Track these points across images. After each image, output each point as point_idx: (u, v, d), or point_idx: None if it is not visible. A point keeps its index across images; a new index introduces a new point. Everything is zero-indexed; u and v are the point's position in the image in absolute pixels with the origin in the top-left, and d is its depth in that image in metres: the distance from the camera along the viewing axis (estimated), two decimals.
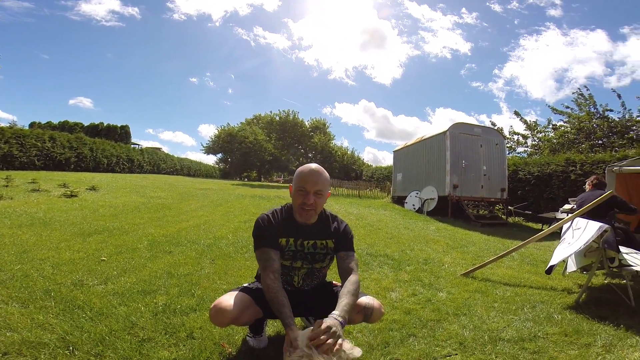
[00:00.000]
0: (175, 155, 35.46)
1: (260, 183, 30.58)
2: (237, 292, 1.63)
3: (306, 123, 36.25)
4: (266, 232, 1.62)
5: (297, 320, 2.07)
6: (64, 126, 34.76)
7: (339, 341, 1.25)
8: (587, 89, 17.19)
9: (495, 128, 17.17)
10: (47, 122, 36.40)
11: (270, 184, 29.96)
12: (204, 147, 37.35)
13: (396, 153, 13.94)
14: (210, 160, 43.24)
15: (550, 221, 9.08)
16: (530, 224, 10.44)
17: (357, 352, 1.27)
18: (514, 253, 4.41)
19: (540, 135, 18.43)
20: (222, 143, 35.56)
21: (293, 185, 1.66)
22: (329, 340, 1.23)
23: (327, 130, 37.12)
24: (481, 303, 2.80)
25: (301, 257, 1.69)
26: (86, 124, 37.30)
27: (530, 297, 3.02)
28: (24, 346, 1.54)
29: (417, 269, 3.74)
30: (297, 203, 1.63)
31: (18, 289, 2.20)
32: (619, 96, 16.02)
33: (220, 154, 38.10)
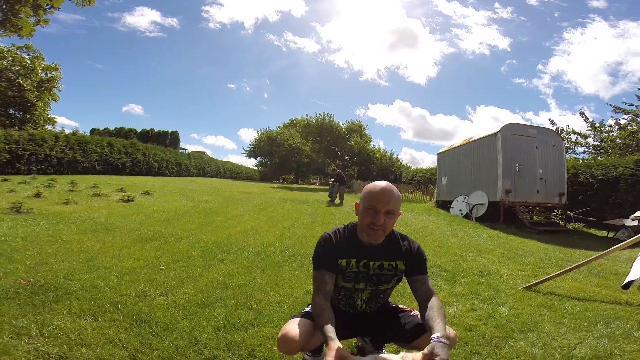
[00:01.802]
0: (219, 159, 37.07)
1: (297, 186, 30.98)
2: (300, 318, 1.59)
3: (342, 126, 36.11)
4: (325, 254, 1.57)
5: (354, 340, 2.00)
6: (120, 132, 37.66)
7: None
8: None
9: (554, 128, 15.87)
10: (105, 129, 39.69)
11: (307, 186, 30.29)
12: (245, 150, 38.64)
13: (440, 155, 13.41)
14: (251, 163, 44.68)
15: (617, 229, 8.23)
16: (593, 231, 9.54)
17: None
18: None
19: (604, 135, 16.62)
20: (263, 146, 36.50)
21: (360, 204, 1.58)
22: None
23: (364, 132, 36.69)
24: (548, 319, 2.58)
25: (364, 279, 1.61)
26: (139, 129, 40.10)
27: (603, 313, 2.76)
28: None
29: (474, 282, 3.52)
30: (364, 222, 1.54)
31: (88, 301, 2.32)
32: None
33: (260, 157, 39.15)
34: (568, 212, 9.84)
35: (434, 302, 1.47)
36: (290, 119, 41.51)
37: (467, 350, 1.97)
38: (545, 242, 6.84)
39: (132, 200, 8.59)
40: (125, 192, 9.85)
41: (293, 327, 1.50)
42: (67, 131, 19.99)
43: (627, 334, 2.29)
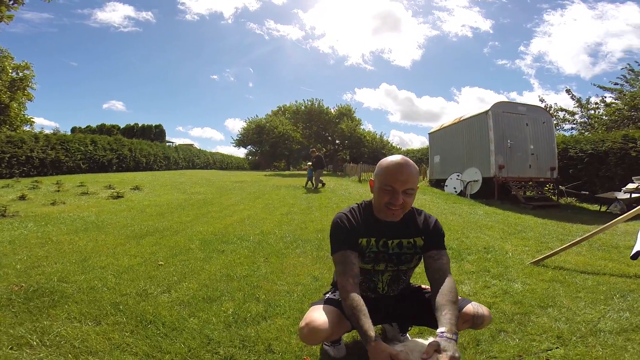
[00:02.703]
0: (207, 150, 36.44)
1: (290, 172, 30.75)
2: (323, 305, 1.49)
3: (332, 110, 35.74)
4: (345, 233, 1.44)
5: (377, 328, 1.92)
6: (102, 129, 36.45)
7: None
8: (639, 64, 15.90)
9: (542, 106, 16.15)
10: (87, 127, 38.42)
11: (300, 172, 30.08)
12: (234, 140, 37.94)
13: (432, 135, 13.38)
14: (241, 153, 44.06)
15: (610, 202, 8.34)
16: (585, 205, 9.68)
17: None
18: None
19: (590, 112, 17.43)
20: (252, 135, 35.93)
21: (376, 182, 1.45)
22: None
23: (354, 115, 36.41)
24: (564, 293, 2.55)
25: (384, 259, 1.50)
26: (122, 125, 38.95)
27: (616, 286, 2.73)
28: None
29: (481, 259, 3.49)
30: (381, 202, 1.42)
31: (87, 304, 2.18)
32: None
33: (249, 146, 38.60)
34: (560, 186, 9.96)
35: (445, 286, 1.34)
36: (278, 106, 40.87)
37: (492, 328, 1.91)
38: (541, 217, 6.89)
39: (122, 197, 8.34)
40: (114, 188, 9.56)
41: (318, 316, 1.39)
42: (47, 131, 19.25)
43: None
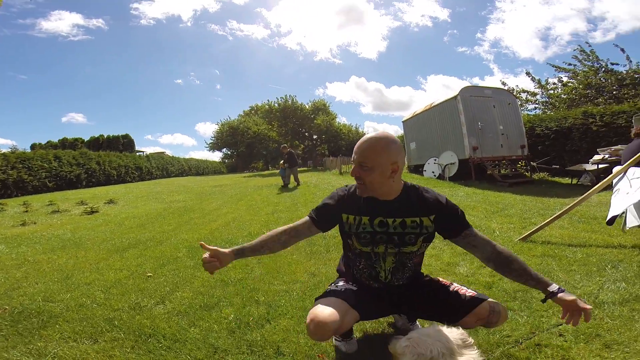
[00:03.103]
0: (181, 157, 35.40)
1: (270, 171, 30.44)
2: (326, 298, 1.44)
3: (306, 106, 35.60)
4: (321, 208, 1.52)
5: (390, 318, 1.89)
6: (64, 143, 34.46)
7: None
8: (589, 45, 17.18)
9: (506, 88, 16.90)
10: (47, 142, 36.09)
11: (278, 171, 29.89)
12: (207, 144, 37.15)
13: (405, 123, 13.59)
14: (216, 156, 43.13)
15: (580, 174, 8.75)
16: (557, 179, 10.13)
17: None
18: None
19: (550, 92, 18.41)
20: (225, 138, 35.27)
21: None
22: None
23: (329, 109, 36.44)
24: (558, 267, 2.63)
25: (384, 241, 1.44)
26: (86, 138, 37.02)
27: (605, 257, 2.82)
28: None
29: None
30: None
31: (79, 322, 2.05)
32: (623, 50, 15.86)
33: (224, 149, 37.90)
34: (532, 162, 10.38)
35: (505, 254, 1.36)
36: (250, 106, 40.33)
37: None
38: (519, 194, 7.13)
39: (97, 211, 7.95)
40: (87, 204, 9.10)
41: (322, 309, 1.34)
42: (4, 150, 17.95)
43: (638, 275, 2.32)
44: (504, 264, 1.35)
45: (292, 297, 2.30)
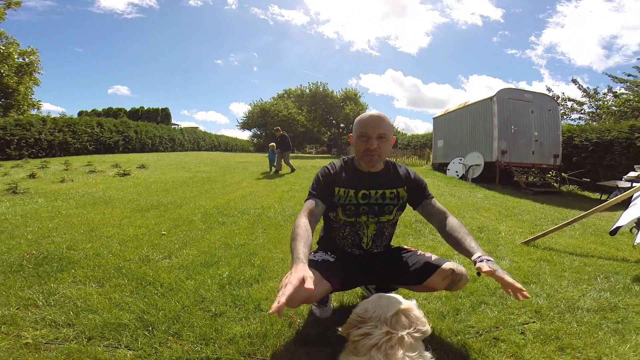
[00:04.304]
0: (212, 133, 36.51)
1: (294, 154, 30.80)
2: None
3: (337, 94, 35.43)
4: (321, 183, 1.58)
5: (358, 290, 2.03)
6: (109, 112, 36.53)
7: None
8: None
9: (550, 94, 15.99)
10: (92, 110, 38.65)
11: (303, 155, 30.11)
12: (239, 123, 38.05)
13: (436, 120, 13.33)
14: (245, 135, 44.09)
15: (611, 190, 8.31)
16: (586, 193, 9.67)
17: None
18: (575, 223, 4.08)
19: (599, 103, 17.41)
20: (256, 118, 35.94)
21: (353, 134, 1.59)
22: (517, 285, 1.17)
23: (359, 100, 36.05)
24: (549, 272, 2.63)
25: (365, 212, 1.59)
26: (128, 109, 38.98)
27: (602, 268, 2.79)
28: (106, 329, 1.57)
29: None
30: (360, 150, 1.55)
31: (93, 269, 2.32)
32: None
33: (254, 129, 38.65)
34: (563, 173, 9.94)
35: (453, 223, 1.51)
36: (283, 90, 40.65)
37: (474, 300, 2.00)
38: (540, 203, 6.93)
39: (129, 174, 8.53)
40: (120, 167, 9.75)
41: None
42: (54, 115, 19.42)
43: (628, 288, 2.31)
44: (449, 232, 1.49)
45: (286, 265, 2.47)
